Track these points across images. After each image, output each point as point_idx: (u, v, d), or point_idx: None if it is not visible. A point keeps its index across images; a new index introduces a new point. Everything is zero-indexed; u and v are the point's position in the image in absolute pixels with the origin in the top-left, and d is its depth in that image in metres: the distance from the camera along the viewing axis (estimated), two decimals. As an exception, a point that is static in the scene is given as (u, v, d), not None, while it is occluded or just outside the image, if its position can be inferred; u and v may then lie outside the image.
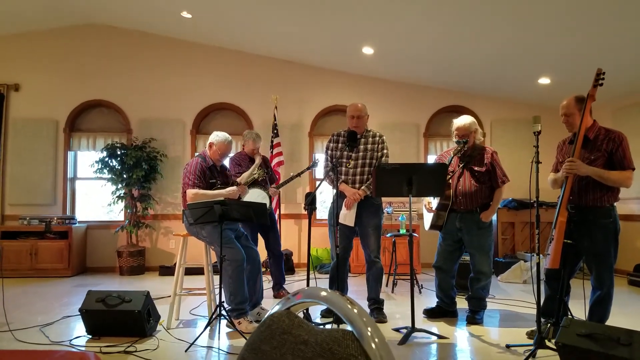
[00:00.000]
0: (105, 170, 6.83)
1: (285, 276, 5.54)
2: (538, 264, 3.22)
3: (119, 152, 6.88)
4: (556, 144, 3.78)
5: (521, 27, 5.22)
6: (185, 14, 6.33)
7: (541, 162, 3.22)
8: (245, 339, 2.75)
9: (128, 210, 7.02)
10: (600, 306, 3.38)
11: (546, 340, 3.13)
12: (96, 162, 6.83)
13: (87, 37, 7.37)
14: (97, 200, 7.61)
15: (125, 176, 6.79)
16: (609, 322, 3.34)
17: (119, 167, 6.82)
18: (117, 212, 7.26)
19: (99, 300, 3.63)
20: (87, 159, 7.33)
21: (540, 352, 3.05)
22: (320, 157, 7.57)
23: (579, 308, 3.66)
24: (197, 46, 7.51)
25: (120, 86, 7.39)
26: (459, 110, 7.50)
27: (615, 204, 3.40)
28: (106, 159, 6.84)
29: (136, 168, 6.73)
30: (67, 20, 7.18)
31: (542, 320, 3.40)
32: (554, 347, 2.86)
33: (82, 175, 7.53)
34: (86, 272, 7.09)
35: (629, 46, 5.24)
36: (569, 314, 3.43)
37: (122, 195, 6.91)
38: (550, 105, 6.66)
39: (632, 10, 4.50)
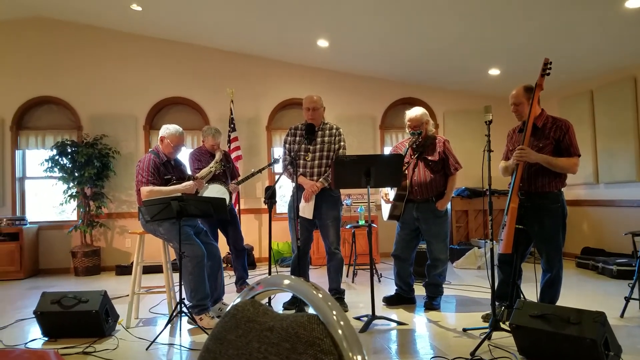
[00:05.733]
0: (55, 169, 6.59)
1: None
2: (491, 250, 3.34)
3: (69, 150, 6.65)
4: (506, 133, 3.92)
5: (471, 19, 5.36)
6: (135, 7, 6.14)
7: (492, 151, 3.32)
8: (208, 334, 2.74)
9: (81, 210, 6.80)
10: (551, 288, 3.55)
11: (501, 323, 3.26)
12: (46, 160, 6.57)
13: (33, 31, 7.04)
14: (48, 200, 7.33)
15: (76, 174, 6.57)
16: (559, 303, 3.51)
17: (70, 165, 6.59)
18: (69, 212, 7.02)
19: (54, 302, 3.52)
20: (36, 158, 7.03)
21: (495, 334, 3.17)
22: (279, 150, 7.60)
23: (530, 291, 3.83)
24: (148, 40, 7.31)
25: (69, 82, 7.11)
26: (413, 103, 7.62)
27: (562, 189, 3.56)
28: (56, 157, 6.60)
29: (88, 166, 6.53)
30: (12, 13, 6.84)
31: (497, 303, 3.52)
32: (508, 329, 2.99)
33: (32, 175, 7.23)
34: (39, 274, 6.83)
35: (575, 37, 5.47)
36: (522, 296, 3.58)
37: (74, 194, 6.68)
38: (500, 95, 6.86)
39: (577, 2, 4.70)
